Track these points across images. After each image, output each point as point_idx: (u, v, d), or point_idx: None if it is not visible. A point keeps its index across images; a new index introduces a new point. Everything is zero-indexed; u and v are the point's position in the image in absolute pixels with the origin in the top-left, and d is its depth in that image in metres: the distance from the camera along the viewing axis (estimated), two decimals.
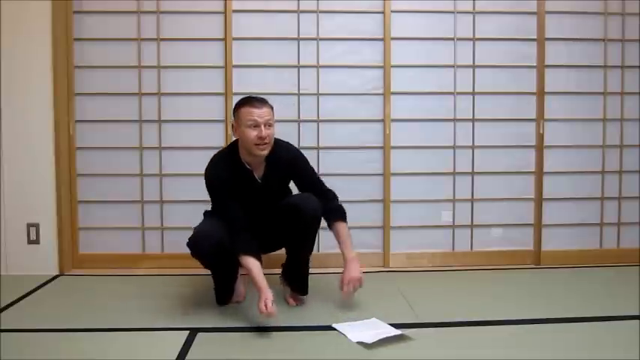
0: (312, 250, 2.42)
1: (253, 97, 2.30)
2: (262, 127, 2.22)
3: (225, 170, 2.28)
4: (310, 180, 2.44)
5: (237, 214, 2.26)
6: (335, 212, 2.40)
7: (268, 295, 2.10)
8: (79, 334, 2.08)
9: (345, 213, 2.41)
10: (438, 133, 3.07)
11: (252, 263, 2.19)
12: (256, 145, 2.24)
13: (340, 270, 2.37)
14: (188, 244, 2.26)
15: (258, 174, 2.35)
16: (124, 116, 2.99)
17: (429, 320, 2.20)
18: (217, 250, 2.23)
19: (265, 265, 2.25)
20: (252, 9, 2.98)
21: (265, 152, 2.27)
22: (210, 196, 2.33)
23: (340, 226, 2.38)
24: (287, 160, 2.37)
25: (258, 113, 2.24)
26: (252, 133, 2.22)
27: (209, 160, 2.34)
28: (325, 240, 2.80)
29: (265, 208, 2.36)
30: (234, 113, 2.31)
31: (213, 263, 2.32)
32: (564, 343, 1.99)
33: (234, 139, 2.36)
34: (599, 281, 2.78)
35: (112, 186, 3.01)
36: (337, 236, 2.38)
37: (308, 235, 2.34)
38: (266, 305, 2.06)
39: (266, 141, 2.24)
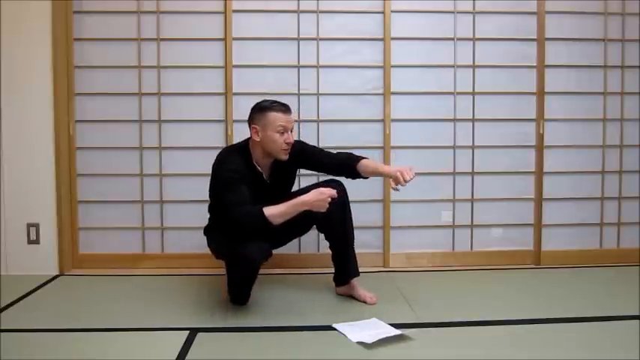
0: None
1: (278, 102, 2.33)
2: (289, 132, 2.28)
3: (241, 167, 2.27)
4: (322, 152, 2.48)
5: (248, 198, 2.19)
6: (354, 156, 2.42)
7: (317, 190, 2.16)
8: (79, 334, 2.08)
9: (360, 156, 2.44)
10: (438, 133, 3.07)
11: (276, 206, 2.13)
12: (283, 150, 2.29)
13: None
14: (236, 260, 2.20)
15: (266, 174, 2.37)
16: (124, 116, 2.99)
17: (429, 320, 2.20)
18: (266, 258, 2.19)
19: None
20: (252, 9, 2.98)
21: (287, 156, 2.31)
22: (223, 187, 2.21)
23: (365, 160, 2.39)
24: (293, 154, 2.36)
25: (287, 119, 2.30)
26: (281, 139, 2.27)
27: (221, 156, 2.33)
28: (325, 240, 2.79)
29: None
30: (256, 116, 2.31)
31: (255, 273, 2.26)
32: (564, 343, 1.99)
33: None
34: (599, 281, 2.78)
35: (112, 186, 3.00)
36: (369, 166, 2.38)
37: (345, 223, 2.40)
38: (322, 193, 2.12)
39: (290, 146, 2.30)
